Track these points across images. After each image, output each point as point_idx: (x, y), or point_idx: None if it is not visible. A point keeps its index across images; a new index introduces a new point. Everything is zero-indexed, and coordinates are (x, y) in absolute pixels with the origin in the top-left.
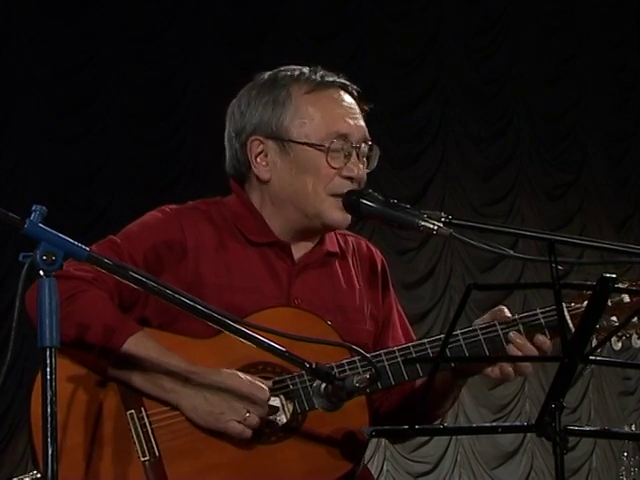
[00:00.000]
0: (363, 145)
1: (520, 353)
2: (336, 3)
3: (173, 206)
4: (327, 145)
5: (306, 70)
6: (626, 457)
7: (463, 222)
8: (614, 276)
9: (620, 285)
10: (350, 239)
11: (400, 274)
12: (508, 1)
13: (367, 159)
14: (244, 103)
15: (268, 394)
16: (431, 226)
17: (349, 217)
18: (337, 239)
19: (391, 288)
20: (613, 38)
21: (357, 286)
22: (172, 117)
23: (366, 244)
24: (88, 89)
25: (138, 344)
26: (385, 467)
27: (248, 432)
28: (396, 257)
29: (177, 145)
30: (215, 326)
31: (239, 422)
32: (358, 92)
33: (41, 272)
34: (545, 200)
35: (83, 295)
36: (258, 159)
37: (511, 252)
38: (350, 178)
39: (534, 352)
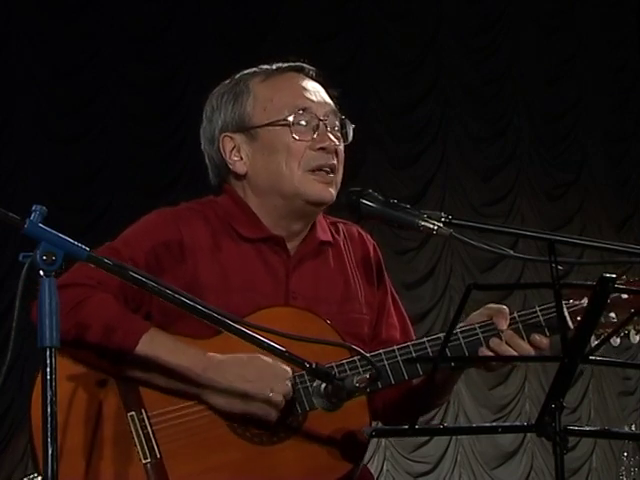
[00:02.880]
0: (331, 118)
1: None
2: (336, 3)
3: (168, 208)
4: (290, 119)
5: (264, 65)
6: (626, 457)
7: (463, 222)
8: (614, 276)
9: (619, 285)
10: (341, 226)
11: (400, 274)
12: (508, 1)
13: (343, 135)
14: (209, 110)
15: (290, 372)
16: (431, 226)
17: (332, 191)
18: (329, 227)
19: (385, 274)
20: (613, 38)
21: (351, 274)
22: (172, 117)
23: (357, 230)
24: (88, 89)
25: (153, 341)
26: (385, 467)
27: (274, 413)
28: (396, 257)
29: (177, 145)
30: (215, 326)
31: (264, 402)
32: (321, 75)
33: (41, 272)
34: (545, 200)
35: (90, 300)
36: (232, 155)
37: (511, 252)
38: (323, 149)
39: (530, 351)
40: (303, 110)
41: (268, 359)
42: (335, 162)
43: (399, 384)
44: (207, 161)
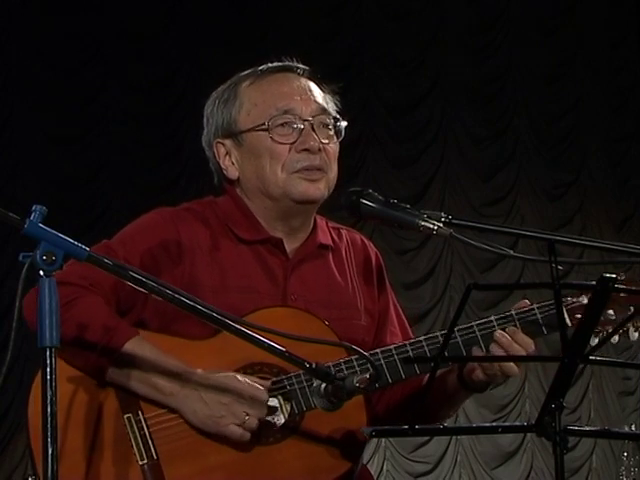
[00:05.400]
0: (319, 117)
1: (504, 353)
2: (336, 3)
3: (168, 208)
4: (268, 123)
5: (260, 67)
6: (626, 457)
7: (463, 222)
8: (614, 276)
9: (620, 285)
10: (344, 233)
11: (400, 274)
12: (508, 1)
13: (336, 132)
14: (205, 116)
15: (267, 396)
16: (431, 226)
17: (320, 188)
18: (330, 232)
19: (387, 283)
20: (613, 38)
21: (351, 280)
22: (172, 117)
23: (360, 238)
24: (88, 89)
25: (136, 348)
26: (385, 467)
27: (247, 435)
28: (396, 257)
29: (177, 145)
30: (214, 326)
31: (238, 425)
32: (315, 73)
33: (41, 272)
34: (545, 200)
35: (80, 301)
36: (225, 161)
37: (511, 252)
38: (306, 150)
39: (521, 352)
40: (285, 112)
41: (246, 380)
42: (320, 162)
43: (397, 383)
44: (211, 166)
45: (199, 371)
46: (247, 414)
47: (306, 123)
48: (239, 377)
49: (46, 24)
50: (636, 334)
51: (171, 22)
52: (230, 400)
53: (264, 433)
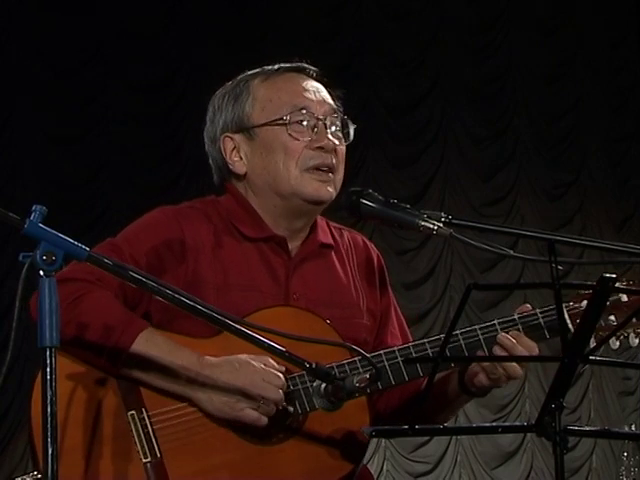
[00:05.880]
0: (331, 117)
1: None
2: (336, 3)
3: (170, 207)
4: (286, 118)
5: (268, 66)
6: (626, 457)
7: (463, 222)
8: (614, 276)
9: (619, 285)
10: (346, 233)
11: (400, 274)
12: (508, 1)
13: (344, 135)
14: (212, 111)
15: (283, 380)
16: (431, 226)
17: (330, 190)
18: (331, 232)
19: (388, 284)
20: (613, 38)
21: (353, 280)
22: (172, 117)
23: (362, 239)
24: (88, 89)
25: (149, 340)
26: (385, 467)
27: (264, 419)
28: (396, 257)
29: (177, 145)
30: (215, 326)
31: (254, 409)
32: (324, 76)
33: (41, 272)
34: (545, 200)
35: (88, 296)
36: (232, 156)
37: (511, 252)
38: (320, 148)
39: (524, 354)
40: (301, 109)
41: (260, 365)
42: (333, 162)
43: (400, 385)
44: (210, 162)
45: (213, 359)
46: (263, 398)
47: (320, 122)
48: (254, 362)
49: (46, 24)
50: (636, 340)
51: (171, 22)
52: (244, 384)
53: (266, 433)
